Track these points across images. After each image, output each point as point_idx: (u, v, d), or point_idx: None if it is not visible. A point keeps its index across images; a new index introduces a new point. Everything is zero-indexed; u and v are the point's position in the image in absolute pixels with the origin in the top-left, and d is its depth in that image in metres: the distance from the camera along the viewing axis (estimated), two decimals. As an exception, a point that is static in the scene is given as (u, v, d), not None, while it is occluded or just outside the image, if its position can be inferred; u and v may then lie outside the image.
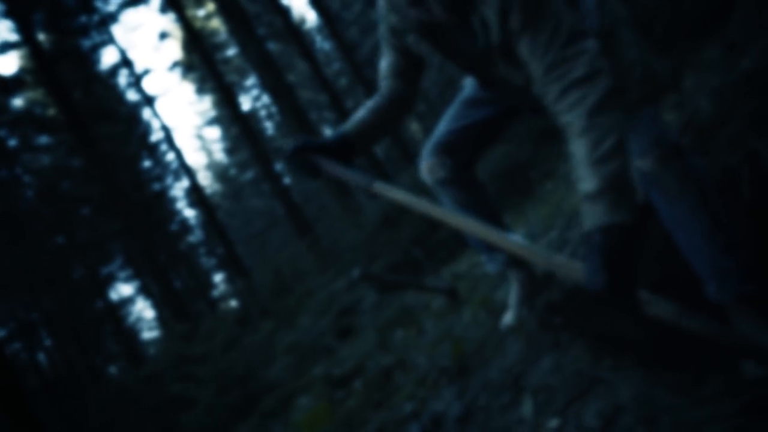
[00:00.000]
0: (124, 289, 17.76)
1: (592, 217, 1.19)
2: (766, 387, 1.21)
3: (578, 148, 1.19)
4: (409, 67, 1.61)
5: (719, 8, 3.16)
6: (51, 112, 13.73)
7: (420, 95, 1.77)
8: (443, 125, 1.71)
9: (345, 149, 1.62)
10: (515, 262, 1.85)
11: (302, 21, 20.24)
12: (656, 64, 1.49)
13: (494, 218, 1.78)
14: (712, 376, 1.33)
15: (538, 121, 5.00)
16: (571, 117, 1.19)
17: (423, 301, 3.04)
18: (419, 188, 1.81)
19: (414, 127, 19.12)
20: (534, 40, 1.22)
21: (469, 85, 1.75)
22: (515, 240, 1.34)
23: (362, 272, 2.16)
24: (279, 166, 15.99)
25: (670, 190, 1.38)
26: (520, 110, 1.72)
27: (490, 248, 1.83)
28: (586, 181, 1.18)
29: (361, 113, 1.65)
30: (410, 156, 11.47)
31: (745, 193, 1.85)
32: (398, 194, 1.49)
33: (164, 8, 13.90)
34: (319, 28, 19.22)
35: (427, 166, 1.71)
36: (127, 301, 16.91)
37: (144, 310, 17.62)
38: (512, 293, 1.87)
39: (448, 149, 1.67)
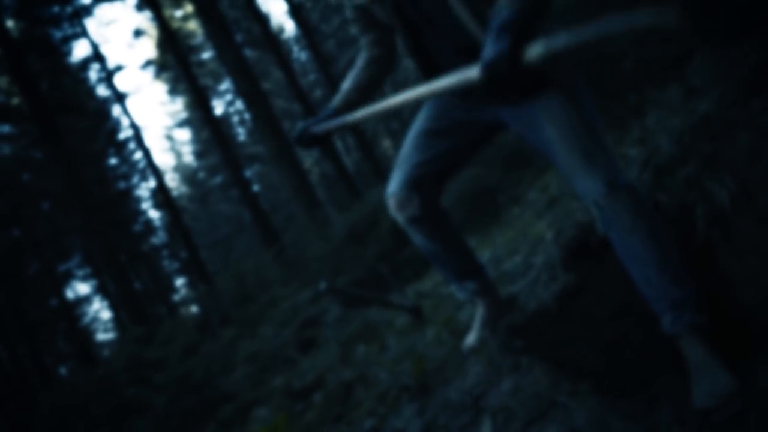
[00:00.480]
0: (80, 288, 17.17)
1: (501, 5, 1.25)
2: (715, 416, 1.28)
3: None
4: (371, 27, 1.70)
5: (681, 52, 3.33)
6: (15, 101, 13.32)
7: (393, 112, 1.84)
8: (408, 159, 1.73)
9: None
10: (482, 289, 1.91)
11: (281, 30, 20.22)
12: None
13: (459, 246, 1.85)
14: (664, 404, 1.40)
15: (507, 146, 5.11)
16: None
17: (387, 317, 3.06)
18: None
19: (386, 143, 19.26)
20: None
21: (425, 113, 1.78)
22: (422, 89, 1.43)
23: (328, 285, 2.18)
24: (249, 172, 15.84)
25: (624, 224, 1.46)
26: (482, 130, 1.75)
27: (457, 278, 1.89)
28: None
29: (346, 85, 1.78)
30: (381, 171, 11.53)
31: (701, 229, 1.95)
32: (363, 111, 1.65)
33: (140, 6, 13.73)
34: (297, 39, 19.23)
35: (396, 203, 1.74)
36: (83, 300, 16.39)
37: (100, 310, 17.08)
38: (477, 315, 1.92)
39: (415, 184, 1.70)
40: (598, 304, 2.05)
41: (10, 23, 11.31)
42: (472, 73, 1.29)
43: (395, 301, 2.64)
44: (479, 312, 1.91)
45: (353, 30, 1.73)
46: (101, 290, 15.75)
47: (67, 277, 14.88)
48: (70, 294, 15.97)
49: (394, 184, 1.73)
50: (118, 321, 15.40)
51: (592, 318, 1.97)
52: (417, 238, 1.80)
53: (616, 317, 1.93)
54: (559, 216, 2.64)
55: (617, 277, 1.83)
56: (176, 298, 20.13)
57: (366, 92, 1.78)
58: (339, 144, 18.10)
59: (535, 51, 1.19)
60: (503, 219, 4.20)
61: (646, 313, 1.59)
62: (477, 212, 4.52)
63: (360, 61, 1.77)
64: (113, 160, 16.44)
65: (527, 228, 3.25)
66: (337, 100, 1.78)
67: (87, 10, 13.17)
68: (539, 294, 2.08)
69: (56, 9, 12.49)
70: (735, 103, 1.97)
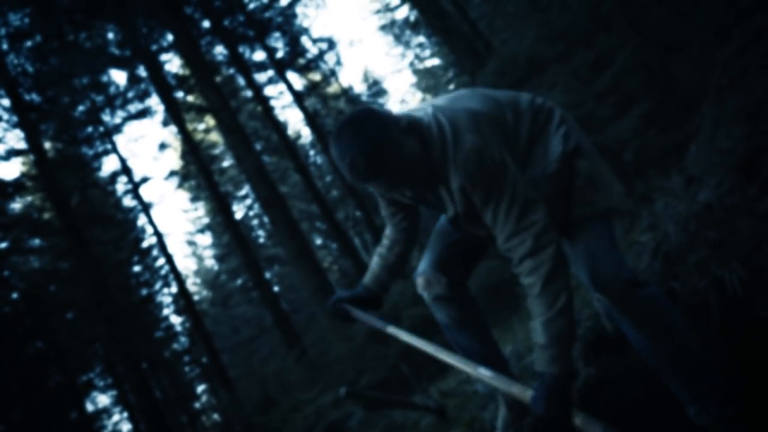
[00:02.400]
0: (100, 399, 16.87)
1: (541, 362, 1.42)
2: None
3: (535, 307, 1.42)
4: (398, 210, 1.83)
5: (680, 140, 3.47)
6: (46, 216, 13.92)
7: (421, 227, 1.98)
8: (436, 242, 1.85)
9: (372, 296, 1.92)
10: None
11: (297, 136, 21.23)
12: (616, 186, 1.63)
13: (485, 333, 1.87)
14: None
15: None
16: (528, 282, 1.42)
17: (412, 418, 3.00)
18: (413, 298, 1.95)
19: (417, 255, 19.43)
20: (495, 212, 1.44)
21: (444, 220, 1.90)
22: (484, 371, 1.58)
23: (348, 390, 2.19)
24: (269, 274, 15.99)
25: (633, 320, 1.49)
26: None
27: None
28: (539, 334, 1.42)
29: (373, 265, 1.92)
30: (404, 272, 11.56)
31: (715, 317, 1.96)
32: (408, 337, 1.78)
33: (167, 121, 14.63)
34: (313, 143, 20.13)
35: (423, 282, 1.82)
36: (102, 412, 16.04)
37: (120, 422, 16.64)
38: (500, 415, 1.91)
39: (442, 266, 1.79)
40: (623, 396, 2.02)
41: (47, 144, 12.09)
42: (523, 396, 1.48)
43: (419, 402, 2.61)
44: (502, 412, 1.90)
45: (383, 210, 1.91)
46: (121, 401, 15.47)
47: (88, 388, 14.69)
48: (90, 406, 15.69)
49: (423, 265, 1.83)
50: (137, 433, 14.95)
51: (618, 410, 1.94)
52: (441, 318, 1.87)
53: (642, 408, 1.90)
54: (576, 306, 2.65)
55: (640, 367, 1.82)
56: (197, 405, 19.63)
57: (394, 271, 1.93)
58: (357, 241, 18.35)
59: (580, 424, 1.39)
60: (524, 310, 4.19)
61: (673, 402, 1.57)
62: (496, 304, 4.52)
63: (386, 240, 1.91)
64: (137, 268, 16.78)
65: (547, 319, 3.24)
66: (369, 279, 1.94)
67: (117, 128, 14.06)
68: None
69: (90, 129, 13.37)
70: (732, 191, 2.05)
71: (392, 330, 1.82)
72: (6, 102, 10.92)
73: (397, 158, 1.41)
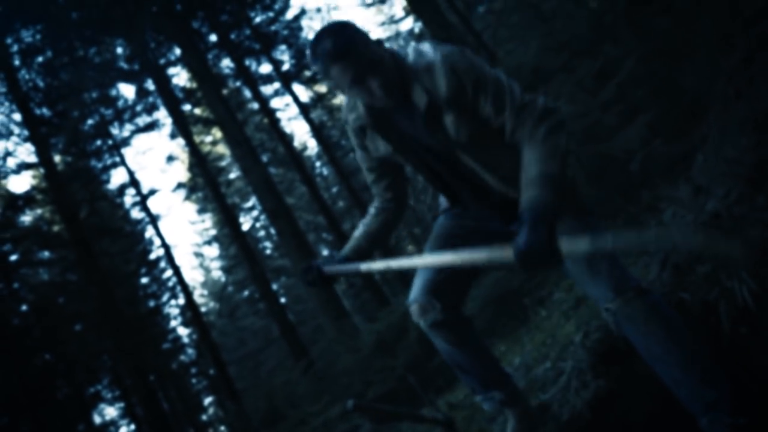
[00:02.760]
0: (108, 411, 16.87)
1: (529, 192, 1.36)
2: None
3: (532, 149, 1.41)
4: (382, 174, 1.81)
5: (686, 151, 3.46)
6: (56, 228, 14.02)
7: (415, 217, 1.95)
8: (426, 268, 1.79)
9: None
10: (509, 400, 1.89)
11: (304, 148, 21.33)
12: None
13: (483, 352, 1.86)
14: None
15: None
16: (531, 132, 1.42)
17: (420, 431, 2.98)
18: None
19: (410, 248, 19.44)
20: (497, 94, 1.47)
21: (440, 222, 1.87)
22: (462, 253, 1.48)
23: (356, 403, 2.17)
24: (276, 286, 16.00)
25: (639, 328, 1.48)
26: (496, 234, 1.83)
27: (483, 388, 1.88)
28: (534, 168, 1.38)
29: (356, 234, 1.87)
30: (407, 278, 11.57)
31: (726, 328, 1.94)
32: (380, 264, 1.73)
33: (174, 134, 14.74)
34: (319, 155, 20.21)
35: (418, 309, 1.78)
36: (109, 425, 16.03)
37: (126, 435, 16.62)
38: (509, 428, 1.89)
39: (435, 290, 1.75)
40: (634, 408, 2.00)
41: (57, 158, 12.21)
42: (505, 253, 1.36)
43: (427, 414, 2.59)
44: (511, 425, 1.88)
45: (367, 178, 1.87)
46: (129, 414, 15.46)
47: (96, 400, 14.70)
48: (97, 418, 15.69)
49: (415, 291, 1.79)
50: (144, 446, 14.92)
51: (629, 423, 1.92)
52: (439, 344, 1.83)
53: (654, 421, 1.88)
54: (585, 317, 2.64)
55: (650, 379, 1.81)
56: (204, 417, 19.58)
57: (376, 239, 1.86)
58: (363, 252, 18.26)
59: (567, 247, 1.28)
60: (532, 321, 4.16)
61: (684, 414, 1.56)
62: (504, 316, 4.49)
63: (372, 209, 1.88)
64: (144, 279, 16.84)
65: (556, 330, 3.21)
66: (347, 248, 1.87)
67: (125, 141, 14.19)
68: (572, 401, 2.05)
69: (99, 142, 13.51)
70: (740, 201, 2.04)
71: (365, 267, 1.74)
72: (17, 116, 11.07)
73: (366, 44, 1.47)
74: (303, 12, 16.87)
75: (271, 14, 13.77)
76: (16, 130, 11.12)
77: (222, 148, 19.29)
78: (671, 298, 2.04)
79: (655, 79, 4.19)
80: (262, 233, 21.97)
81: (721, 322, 1.91)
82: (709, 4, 3.82)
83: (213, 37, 12.91)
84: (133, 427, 15.90)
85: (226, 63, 13.57)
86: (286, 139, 12.90)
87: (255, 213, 20.05)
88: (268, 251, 22.00)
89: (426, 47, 1.54)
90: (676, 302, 2.01)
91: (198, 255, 27.09)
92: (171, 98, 12.69)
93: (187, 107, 13.78)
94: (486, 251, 1.41)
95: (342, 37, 1.45)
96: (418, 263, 1.63)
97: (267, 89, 14.49)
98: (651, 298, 1.50)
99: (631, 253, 2.61)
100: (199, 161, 12.94)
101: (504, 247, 1.36)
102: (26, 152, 11.19)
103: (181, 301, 16.30)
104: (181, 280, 13.49)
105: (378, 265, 1.73)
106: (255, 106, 14.70)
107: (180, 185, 15.97)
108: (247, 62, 13.37)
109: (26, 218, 13.37)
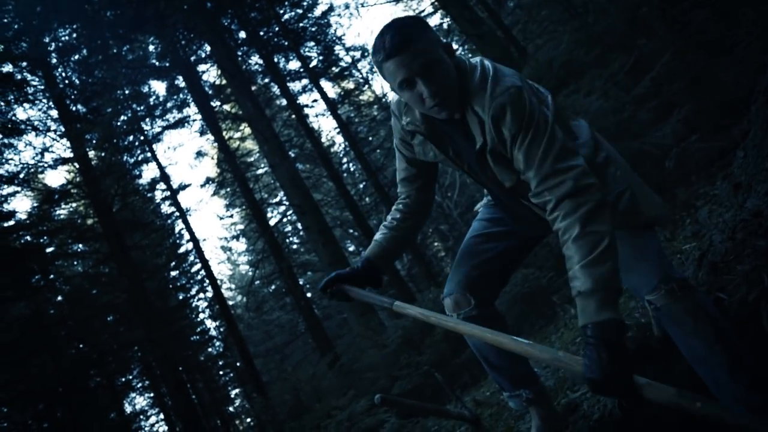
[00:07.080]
0: (138, 401, 17.27)
1: (587, 313, 1.23)
2: None
3: (573, 252, 1.27)
4: (419, 175, 1.77)
5: (725, 147, 3.36)
6: (89, 221, 14.39)
7: (442, 214, 1.91)
8: (463, 262, 1.79)
9: (372, 272, 1.78)
10: (536, 399, 1.86)
11: (331, 144, 21.42)
12: (654, 197, 1.57)
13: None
14: None
15: (558, 245, 5.10)
16: (566, 224, 1.29)
17: (446, 427, 2.97)
18: (441, 306, 1.88)
19: (436, 245, 19.38)
20: (529, 150, 1.35)
21: (478, 221, 1.86)
22: (522, 342, 1.37)
23: (383, 397, 2.17)
24: (302, 280, 16.13)
25: (684, 326, 1.42)
26: (532, 238, 1.82)
27: (511, 385, 1.86)
28: (580, 280, 1.25)
29: (379, 237, 1.81)
30: (433, 274, 11.54)
31: (767, 328, 1.87)
32: (415, 311, 1.63)
33: (203, 130, 14.95)
34: (346, 151, 20.27)
35: (452, 303, 1.78)
36: (140, 414, 16.42)
37: (156, 425, 16.97)
38: (533, 426, 1.87)
39: (470, 286, 1.75)
40: (670, 409, 1.95)
41: (91, 153, 12.52)
42: (575, 367, 1.24)
43: (453, 411, 2.58)
44: (534, 425, 1.85)
45: (400, 174, 1.81)
46: (158, 403, 15.80)
47: (127, 390, 15.06)
48: (128, 407, 16.07)
49: (450, 285, 1.78)
50: (173, 436, 15.24)
51: (661, 423, 1.88)
52: (470, 339, 1.81)
53: (687, 421, 1.83)
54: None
55: (685, 377, 1.76)
56: (231, 409, 19.89)
57: (403, 242, 1.81)
58: (389, 248, 18.27)
59: (643, 388, 1.16)
60: (561, 319, 4.10)
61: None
62: (533, 313, 4.44)
63: (398, 213, 1.81)
64: (174, 273, 17.16)
65: (585, 329, 3.16)
66: (372, 250, 1.80)
67: (156, 137, 14.47)
68: (602, 400, 2.01)
69: (131, 138, 13.80)
70: (783, 199, 1.96)
71: (399, 306, 1.66)
72: (54, 113, 11.38)
73: (429, 46, 1.37)
74: (331, 8, 16.93)
75: (299, 11, 13.85)
76: (53, 126, 11.44)
77: (250, 144, 19.51)
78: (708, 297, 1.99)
79: (691, 73, 4.08)
80: (289, 228, 22.17)
81: (763, 323, 1.85)
82: (750, -5, 3.70)
83: (242, 34, 13.05)
84: (162, 416, 16.25)
85: (255, 59, 13.71)
86: (314, 135, 12.96)
87: (282, 208, 20.22)
88: (294, 246, 22.20)
89: (489, 71, 1.43)
90: (713, 301, 1.95)
91: (226, 249, 27.50)
92: (201, 94, 12.88)
93: (216, 103, 13.98)
94: (552, 354, 1.29)
95: (402, 33, 1.35)
96: (464, 331, 1.50)
97: (295, 85, 14.59)
98: (698, 295, 1.44)
99: (666, 250, 2.55)
100: (228, 157, 13.11)
101: (573, 358, 1.26)
102: (62, 148, 11.51)
103: (210, 294, 16.57)
104: (209, 273, 13.69)
105: (413, 311, 1.63)
106: (283, 102, 14.84)
107: (209, 180, 16.19)
108: (275, 59, 13.47)
109: (62, 212, 13.72)
